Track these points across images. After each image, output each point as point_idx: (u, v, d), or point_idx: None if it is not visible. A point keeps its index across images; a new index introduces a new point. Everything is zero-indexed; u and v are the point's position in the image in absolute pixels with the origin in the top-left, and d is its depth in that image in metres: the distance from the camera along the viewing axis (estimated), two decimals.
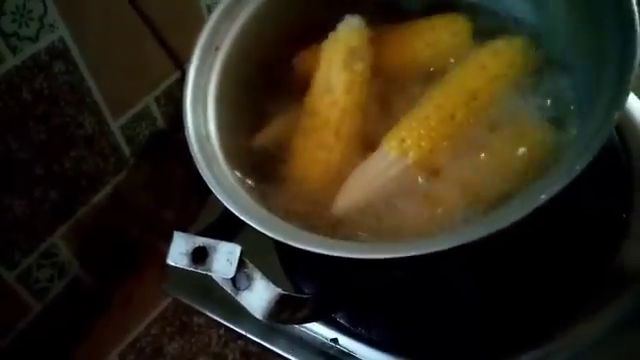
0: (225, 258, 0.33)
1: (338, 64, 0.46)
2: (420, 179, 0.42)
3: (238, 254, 0.33)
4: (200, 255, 0.34)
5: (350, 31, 0.47)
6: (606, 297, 0.43)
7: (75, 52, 0.63)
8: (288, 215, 0.42)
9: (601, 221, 0.46)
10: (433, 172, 0.42)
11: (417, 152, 0.42)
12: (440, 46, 0.48)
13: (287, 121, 0.48)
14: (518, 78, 0.44)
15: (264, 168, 0.46)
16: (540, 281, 0.45)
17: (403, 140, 0.42)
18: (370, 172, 0.42)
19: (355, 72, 0.46)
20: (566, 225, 0.45)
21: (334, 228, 0.42)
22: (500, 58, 0.44)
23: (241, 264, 0.33)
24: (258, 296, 0.34)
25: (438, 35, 0.48)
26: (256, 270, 0.34)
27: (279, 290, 0.34)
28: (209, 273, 0.33)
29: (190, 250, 0.34)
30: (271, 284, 0.34)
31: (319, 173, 0.45)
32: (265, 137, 0.49)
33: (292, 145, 0.46)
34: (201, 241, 0.34)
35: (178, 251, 0.34)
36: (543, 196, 0.32)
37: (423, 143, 0.42)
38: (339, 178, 0.43)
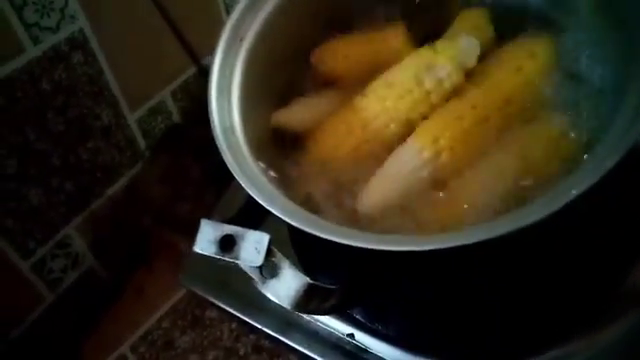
0: (253, 246, 0.33)
1: (411, 71, 0.44)
2: (448, 180, 0.41)
3: (266, 242, 0.33)
4: (228, 243, 0.33)
5: (448, 50, 0.45)
6: (626, 302, 0.43)
7: (94, 44, 0.63)
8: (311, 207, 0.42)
9: (622, 227, 0.45)
10: (461, 173, 0.41)
11: (449, 153, 0.41)
12: None
13: (309, 105, 0.49)
14: (550, 78, 0.43)
15: (288, 158, 0.46)
16: (560, 283, 0.44)
17: (436, 139, 0.41)
18: (401, 170, 0.42)
19: (420, 86, 0.44)
20: (585, 229, 0.45)
21: (357, 222, 0.42)
22: (536, 60, 0.44)
23: (269, 253, 0.33)
24: (286, 285, 0.33)
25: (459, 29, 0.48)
26: (284, 259, 0.33)
27: (307, 279, 0.34)
28: (236, 261, 0.33)
29: (218, 238, 0.33)
30: (299, 273, 0.33)
31: (338, 148, 0.45)
32: (284, 117, 0.48)
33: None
34: (229, 229, 0.33)
35: (206, 238, 0.33)
36: (574, 191, 0.32)
37: (457, 144, 0.41)
38: (360, 160, 0.44)
